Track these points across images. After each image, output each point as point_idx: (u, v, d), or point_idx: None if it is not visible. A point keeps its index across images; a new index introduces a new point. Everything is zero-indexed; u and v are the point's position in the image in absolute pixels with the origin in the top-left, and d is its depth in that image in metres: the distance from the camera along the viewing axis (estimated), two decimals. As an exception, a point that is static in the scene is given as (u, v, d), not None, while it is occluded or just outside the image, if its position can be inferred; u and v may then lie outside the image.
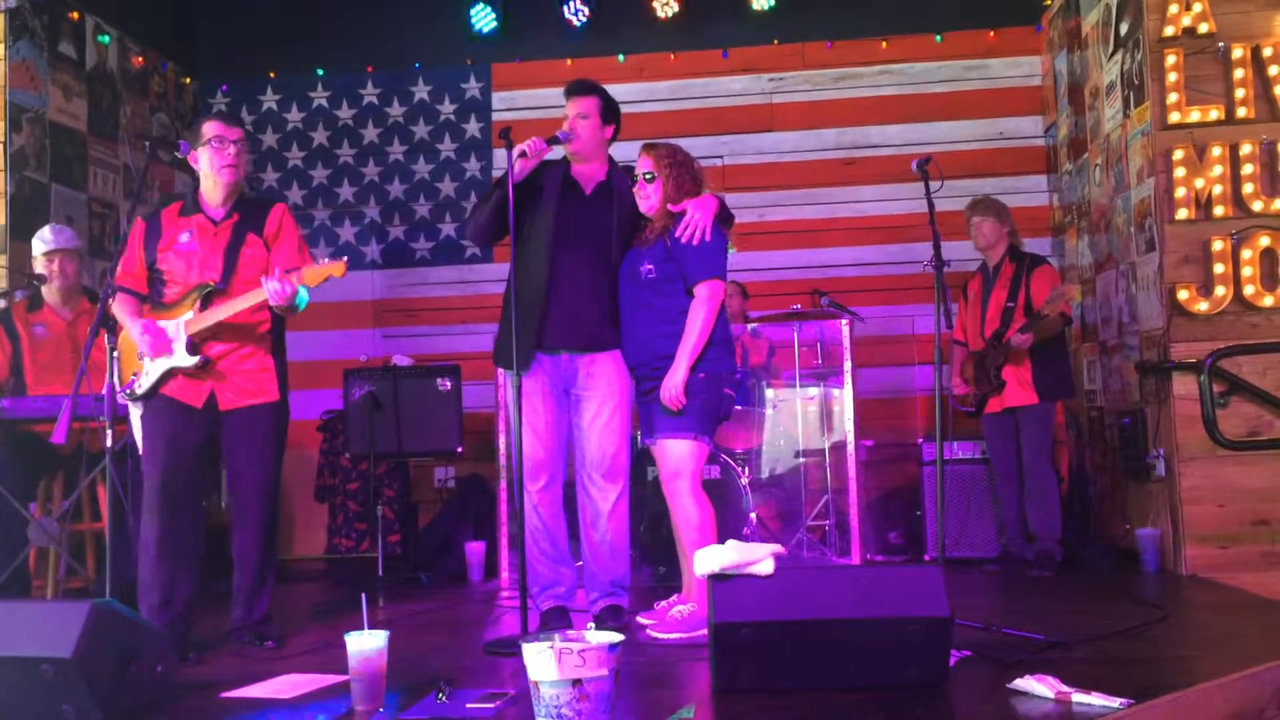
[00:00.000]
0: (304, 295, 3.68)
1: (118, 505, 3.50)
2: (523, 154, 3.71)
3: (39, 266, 4.72)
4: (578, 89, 3.97)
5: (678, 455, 3.77)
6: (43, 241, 4.72)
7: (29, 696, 2.72)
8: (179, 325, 3.66)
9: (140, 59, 6.50)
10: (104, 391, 3.53)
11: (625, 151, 4.11)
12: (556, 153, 3.93)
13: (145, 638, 2.97)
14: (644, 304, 3.83)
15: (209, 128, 3.78)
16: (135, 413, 3.77)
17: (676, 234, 3.78)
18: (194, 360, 3.63)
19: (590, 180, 3.97)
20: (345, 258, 3.66)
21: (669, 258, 3.79)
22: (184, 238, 3.76)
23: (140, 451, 3.75)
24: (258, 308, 3.68)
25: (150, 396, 3.71)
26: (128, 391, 3.72)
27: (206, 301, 3.66)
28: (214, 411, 3.73)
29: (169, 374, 3.68)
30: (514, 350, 3.55)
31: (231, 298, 3.66)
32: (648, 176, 3.85)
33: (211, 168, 3.76)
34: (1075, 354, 6.07)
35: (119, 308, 3.75)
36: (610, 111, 3.97)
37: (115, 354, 3.57)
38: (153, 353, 3.64)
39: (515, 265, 3.72)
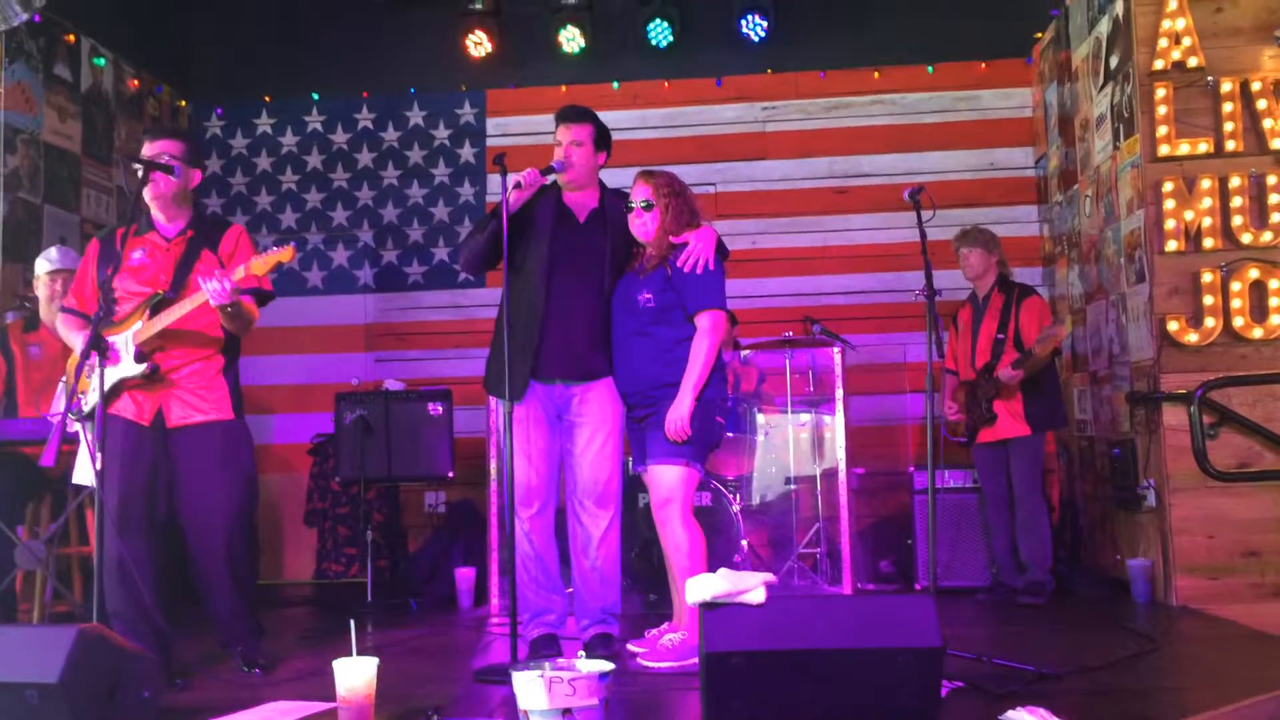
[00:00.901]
0: (251, 311, 3.66)
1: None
2: (518, 185, 3.71)
3: (41, 286, 4.71)
4: (571, 115, 3.95)
5: (669, 482, 3.77)
6: (49, 261, 4.71)
7: (13, 722, 2.70)
8: (128, 337, 3.61)
9: (135, 81, 6.52)
10: (70, 414, 3.49)
11: (619, 178, 4.12)
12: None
13: (132, 663, 2.94)
14: (640, 332, 3.83)
15: (143, 149, 3.74)
16: (85, 436, 3.66)
17: (679, 263, 3.78)
18: (141, 368, 3.57)
19: (583, 207, 3.98)
20: (294, 243, 3.65)
21: (668, 287, 3.80)
22: (136, 255, 3.72)
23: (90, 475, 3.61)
24: (209, 324, 3.64)
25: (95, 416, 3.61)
26: (75, 411, 3.62)
27: (155, 310, 3.60)
28: (162, 430, 3.67)
29: (117, 388, 3.62)
30: (506, 380, 3.55)
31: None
32: (645, 205, 3.85)
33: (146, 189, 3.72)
34: (1066, 384, 6.09)
35: (63, 328, 3.74)
36: (603, 138, 3.97)
37: (66, 379, 3.50)
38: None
39: (509, 294, 3.72)
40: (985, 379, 5.22)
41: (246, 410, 3.92)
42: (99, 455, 3.37)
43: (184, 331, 3.66)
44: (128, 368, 3.59)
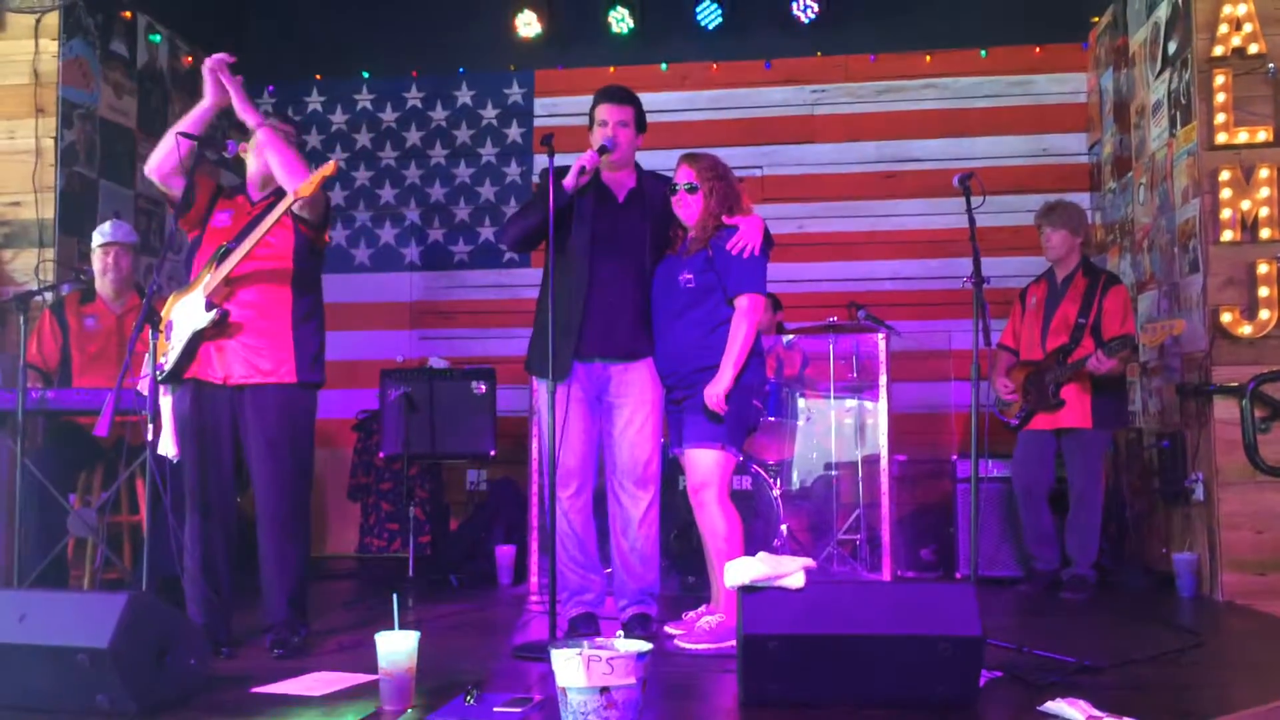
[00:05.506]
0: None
1: (156, 498, 3.54)
2: (583, 170, 3.72)
3: (95, 259, 4.79)
4: (619, 96, 3.99)
5: (706, 465, 3.77)
6: (100, 234, 4.80)
7: (64, 686, 2.77)
8: (199, 292, 3.64)
9: (190, 58, 6.59)
10: (145, 385, 3.57)
11: (666, 160, 4.11)
12: None
13: (180, 630, 3.00)
14: (680, 314, 3.84)
15: None
16: (166, 403, 3.72)
17: (728, 246, 3.78)
18: (210, 315, 3.57)
19: (622, 187, 4.00)
20: (333, 158, 3.66)
21: (709, 268, 3.80)
22: (222, 217, 3.80)
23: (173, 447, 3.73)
24: (275, 264, 3.68)
25: (177, 378, 3.68)
26: (159, 373, 3.63)
27: (221, 259, 3.62)
28: (231, 389, 3.67)
29: (193, 346, 3.63)
30: (550, 359, 3.56)
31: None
32: (689, 188, 3.85)
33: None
34: (1115, 374, 6.00)
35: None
36: (643, 119, 4.02)
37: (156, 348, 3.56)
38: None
39: (553, 275, 3.75)
40: (1058, 362, 5.05)
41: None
42: (150, 427, 3.44)
43: (249, 275, 3.65)
44: (199, 319, 3.60)
